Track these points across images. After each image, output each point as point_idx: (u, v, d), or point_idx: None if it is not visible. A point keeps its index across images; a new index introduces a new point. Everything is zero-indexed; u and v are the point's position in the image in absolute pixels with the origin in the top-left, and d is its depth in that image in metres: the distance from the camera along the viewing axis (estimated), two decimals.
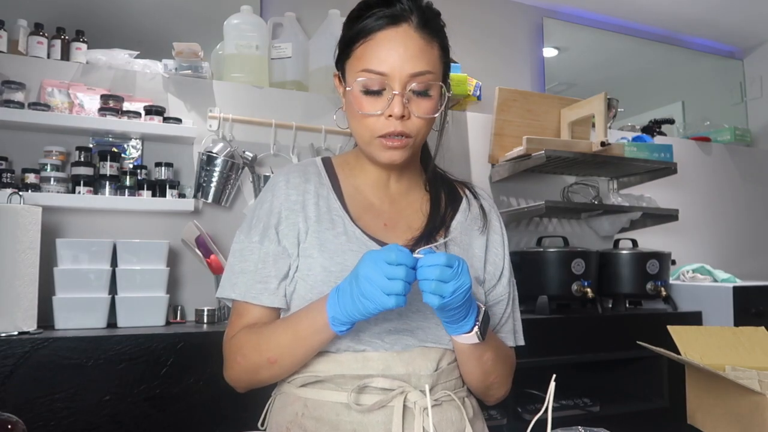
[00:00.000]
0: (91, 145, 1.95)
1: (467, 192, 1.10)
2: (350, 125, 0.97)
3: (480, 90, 2.49)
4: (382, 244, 0.96)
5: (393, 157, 0.94)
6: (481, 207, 1.08)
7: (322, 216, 0.97)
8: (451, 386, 0.96)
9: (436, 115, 0.94)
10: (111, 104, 1.90)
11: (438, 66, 0.93)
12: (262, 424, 1.01)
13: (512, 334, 1.06)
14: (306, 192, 0.99)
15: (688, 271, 2.60)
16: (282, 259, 0.96)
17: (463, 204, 1.07)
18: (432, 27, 0.93)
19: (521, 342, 1.08)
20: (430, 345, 0.94)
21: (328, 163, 1.07)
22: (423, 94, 0.92)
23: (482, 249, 1.04)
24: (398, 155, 0.94)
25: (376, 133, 0.92)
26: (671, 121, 3.17)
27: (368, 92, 0.91)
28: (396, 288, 0.77)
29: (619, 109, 2.88)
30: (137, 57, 2.05)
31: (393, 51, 0.89)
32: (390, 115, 0.90)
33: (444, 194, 1.06)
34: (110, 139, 1.99)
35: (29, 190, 1.76)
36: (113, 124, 1.89)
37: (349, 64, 0.94)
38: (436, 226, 1.01)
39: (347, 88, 0.94)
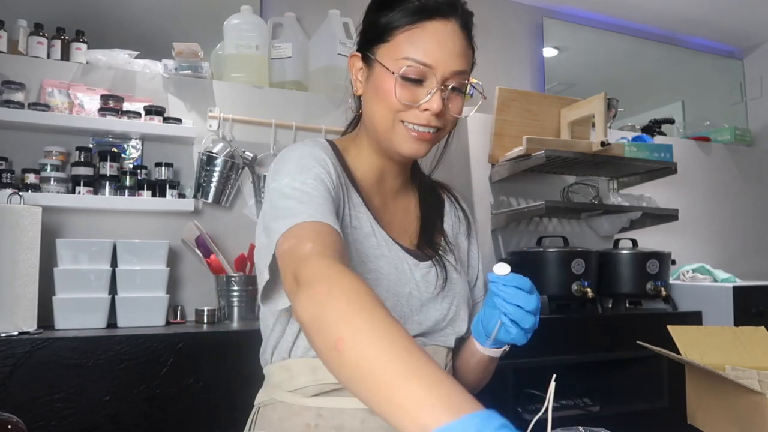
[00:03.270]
0: (91, 145, 1.95)
1: (447, 194, 1.10)
2: (371, 108, 0.90)
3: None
4: (406, 249, 0.94)
5: (419, 149, 0.90)
6: (463, 210, 1.08)
7: (347, 211, 0.90)
8: None
9: (464, 115, 0.93)
10: (111, 104, 1.90)
11: (470, 68, 0.94)
12: None
13: None
14: (337, 175, 0.88)
15: (688, 271, 2.60)
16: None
17: (447, 207, 1.07)
18: (470, 28, 0.93)
19: None
20: (440, 344, 0.94)
21: (336, 150, 0.97)
22: (458, 91, 0.90)
23: (466, 252, 1.06)
24: (424, 148, 0.90)
25: (404, 119, 0.87)
26: (671, 121, 3.17)
27: (406, 80, 0.86)
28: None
29: (619, 109, 2.88)
30: (137, 57, 2.05)
31: (442, 44, 0.86)
32: (426, 109, 0.86)
33: (432, 198, 1.06)
34: (110, 139, 1.99)
35: (29, 190, 1.76)
36: (113, 124, 1.89)
37: (387, 48, 0.88)
38: (431, 229, 1.00)
39: (393, 73, 0.86)
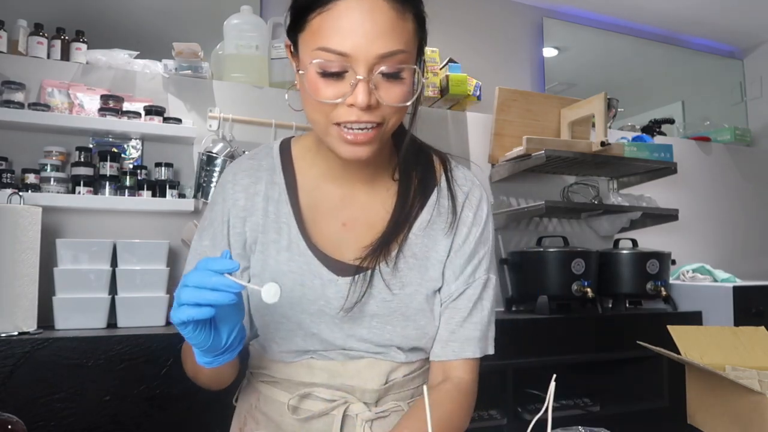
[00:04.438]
0: (91, 145, 1.95)
1: (443, 177, 0.92)
2: (305, 107, 0.79)
3: (480, 90, 2.49)
4: (327, 261, 0.84)
5: (357, 153, 0.77)
6: (453, 199, 0.90)
7: (269, 224, 0.86)
8: (405, 396, 0.89)
9: (409, 103, 0.77)
10: (111, 104, 1.90)
11: (412, 43, 0.76)
12: (236, 401, 0.99)
13: (473, 343, 0.88)
14: (255, 194, 0.87)
15: (688, 271, 2.60)
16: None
17: (433, 197, 0.90)
18: None
19: (488, 351, 0.90)
20: (380, 358, 0.87)
21: (286, 152, 0.92)
22: (394, 77, 0.75)
23: (446, 250, 0.89)
24: (364, 151, 0.77)
25: (335, 119, 0.75)
26: (671, 121, 3.17)
27: (326, 74, 0.74)
28: (186, 296, 0.67)
29: (619, 109, 2.89)
30: (137, 57, 2.05)
31: (358, 26, 0.71)
32: (352, 104, 0.73)
33: (414, 185, 0.89)
34: (110, 139, 1.98)
35: (29, 191, 1.76)
36: (113, 124, 1.89)
37: (303, 38, 0.76)
38: (398, 227, 0.86)
39: (299, 71, 0.78)
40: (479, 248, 0.91)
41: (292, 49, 0.82)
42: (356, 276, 0.84)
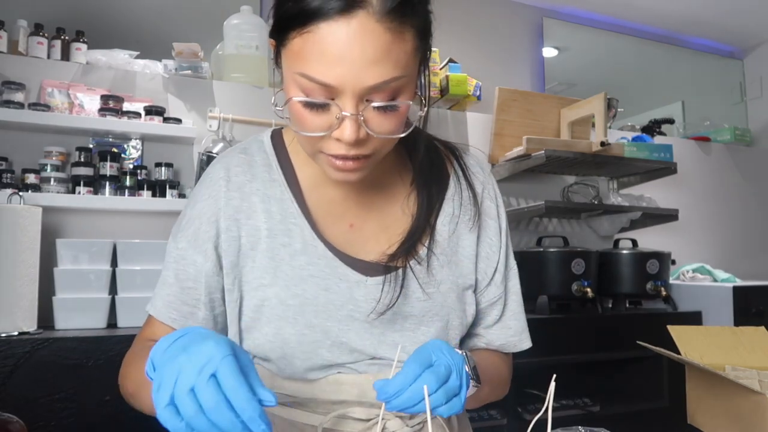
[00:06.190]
0: (91, 146, 1.95)
1: (455, 165, 0.87)
2: (292, 127, 0.72)
3: (480, 90, 2.49)
4: (352, 262, 0.78)
5: (348, 177, 0.72)
6: (472, 188, 0.86)
7: (275, 226, 0.78)
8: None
9: (404, 134, 0.70)
10: (111, 104, 1.90)
11: (412, 62, 0.66)
12: None
13: (514, 338, 0.91)
14: (252, 194, 0.79)
15: (688, 271, 2.60)
16: (216, 283, 0.79)
17: (451, 187, 0.85)
18: (404, 5, 0.63)
19: (527, 345, 0.92)
20: None
21: (279, 145, 0.84)
22: (387, 107, 0.66)
23: (473, 245, 0.85)
24: (354, 176, 0.72)
25: (322, 150, 0.69)
26: (671, 121, 3.17)
27: (310, 104, 0.65)
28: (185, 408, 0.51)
29: (619, 109, 2.89)
30: (137, 57, 2.06)
31: (344, 54, 0.61)
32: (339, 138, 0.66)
33: (433, 184, 0.84)
34: (110, 140, 1.99)
35: (29, 191, 1.76)
36: (113, 124, 1.89)
37: (285, 53, 0.67)
38: (424, 224, 0.81)
39: (278, 107, 0.70)
40: (503, 243, 0.91)
41: (276, 49, 0.72)
42: (388, 275, 0.78)
